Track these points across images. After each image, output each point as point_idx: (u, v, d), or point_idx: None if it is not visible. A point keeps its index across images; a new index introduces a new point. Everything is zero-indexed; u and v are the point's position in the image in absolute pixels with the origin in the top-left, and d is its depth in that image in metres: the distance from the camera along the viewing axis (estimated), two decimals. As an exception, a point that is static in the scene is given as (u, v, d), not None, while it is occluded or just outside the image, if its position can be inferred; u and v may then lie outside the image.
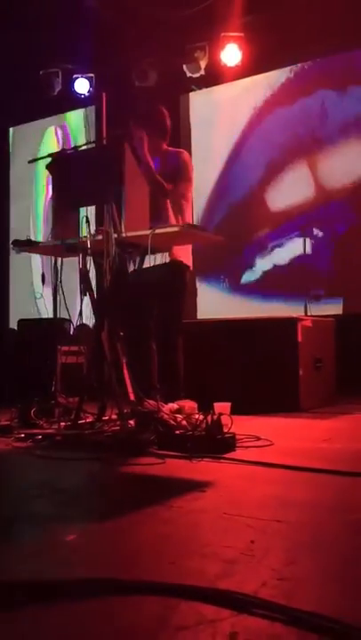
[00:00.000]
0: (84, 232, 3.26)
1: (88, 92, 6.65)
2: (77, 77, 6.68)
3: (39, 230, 7.14)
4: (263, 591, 1.14)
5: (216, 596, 1.11)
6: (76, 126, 7.28)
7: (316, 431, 3.41)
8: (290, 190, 5.98)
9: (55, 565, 1.34)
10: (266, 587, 1.16)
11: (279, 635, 0.98)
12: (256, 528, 1.54)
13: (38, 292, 3.33)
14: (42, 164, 3.50)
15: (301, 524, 1.60)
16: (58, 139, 7.31)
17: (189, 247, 3.73)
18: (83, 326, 3.38)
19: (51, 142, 7.39)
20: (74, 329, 3.42)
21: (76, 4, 5.85)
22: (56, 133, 7.35)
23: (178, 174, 3.58)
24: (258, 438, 2.87)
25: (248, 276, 6.18)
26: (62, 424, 3.16)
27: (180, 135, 6.06)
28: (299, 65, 5.94)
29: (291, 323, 4.23)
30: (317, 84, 5.81)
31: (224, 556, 1.33)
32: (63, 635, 1.02)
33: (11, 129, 7.75)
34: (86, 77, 6.63)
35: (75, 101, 6.83)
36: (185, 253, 3.67)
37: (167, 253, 3.57)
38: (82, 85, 6.68)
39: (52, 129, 7.50)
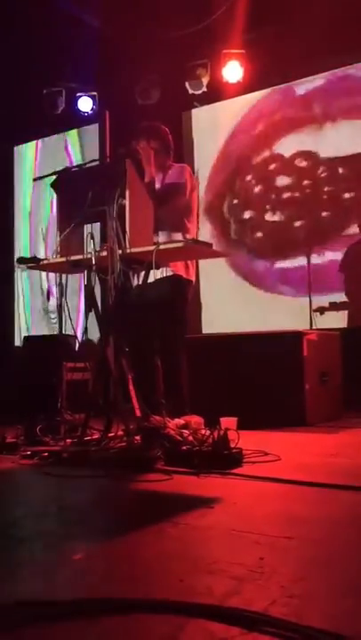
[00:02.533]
0: (88, 248, 3.28)
1: (91, 109, 6.72)
2: (81, 96, 6.75)
3: (43, 247, 7.18)
4: (273, 609, 1.12)
5: (225, 615, 1.09)
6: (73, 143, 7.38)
7: (323, 446, 3.39)
8: (294, 206, 5.99)
9: (62, 584, 1.33)
10: (276, 604, 1.15)
11: (290, 653, 0.97)
12: (265, 544, 1.53)
13: (43, 308, 3.34)
14: (47, 183, 3.53)
15: (311, 540, 1.58)
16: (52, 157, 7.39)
17: (193, 261, 3.74)
18: (88, 342, 3.38)
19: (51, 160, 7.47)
20: (79, 345, 3.43)
21: (79, 23, 5.92)
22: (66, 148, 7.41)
23: (181, 189, 3.61)
24: (265, 453, 2.86)
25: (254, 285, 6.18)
26: (68, 441, 3.15)
27: (183, 151, 6.10)
28: (300, 80, 5.98)
29: (296, 337, 4.22)
30: (321, 99, 5.85)
31: (233, 574, 1.32)
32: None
33: (15, 148, 7.83)
34: (89, 96, 6.70)
35: (78, 119, 6.90)
36: (189, 266, 3.68)
37: (171, 267, 3.58)
38: (85, 103, 6.75)
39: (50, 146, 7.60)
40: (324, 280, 5.53)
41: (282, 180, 6.04)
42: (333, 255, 5.61)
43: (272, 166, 6.09)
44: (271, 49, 5.61)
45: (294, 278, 5.79)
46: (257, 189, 6.20)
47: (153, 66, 6.18)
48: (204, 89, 6.13)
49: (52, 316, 3.52)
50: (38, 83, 6.68)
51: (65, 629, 1.08)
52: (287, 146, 6.00)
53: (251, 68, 5.93)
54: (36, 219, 7.46)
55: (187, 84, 6.16)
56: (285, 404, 4.09)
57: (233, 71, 5.99)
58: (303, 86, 5.98)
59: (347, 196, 5.66)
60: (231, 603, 1.15)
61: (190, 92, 6.18)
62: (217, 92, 6.20)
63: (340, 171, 5.70)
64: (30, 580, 1.36)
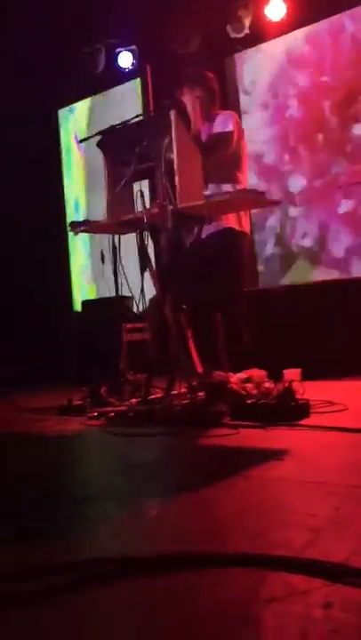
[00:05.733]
0: (138, 207, 3.24)
1: (132, 65, 6.57)
2: (120, 51, 6.59)
3: (94, 210, 7.17)
4: (355, 559, 1.10)
5: (306, 566, 1.08)
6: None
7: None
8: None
9: (141, 541, 1.34)
10: (356, 554, 1.12)
11: (377, 604, 0.94)
12: (339, 495, 1.50)
13: (100, 271, 3.36)
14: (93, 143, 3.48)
15: (387, 489, 1.54)
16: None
17: (246, 212, 3.64)
18: (145, 302, 3.38)
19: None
20: (136, 306, 3.44)
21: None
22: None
23: (228, 138, 3.48)
24: (332, 403, 2.81)
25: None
26: (133, 401, 3.19)
27: (229, 98, 5.90)
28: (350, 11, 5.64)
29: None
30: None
31: (309, 525, 1.30)
32: (157, 606, 1.01)
33: (59, 111, 7.77)
34: (129, 50, 6.54)
35: (120, 76, 6.76)
36: (242, 218, 3.58)
37: (222, 220, 3.50)
38: (125, 59, 6.59)
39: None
40: None
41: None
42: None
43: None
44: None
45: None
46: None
47: (191, 12, 5.95)
48: (247, 31, 5.86)
49: (109, 278, 3.51)
50: (78, 42, 6.55)
51: (148, 583, 1.09)
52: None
53: (294, 3, 5.62)
54: (85, 181, 7.43)
55: (228, 28, 5.90)
56: (349, 353, 4.00)
57: (276, 8, 5.69)
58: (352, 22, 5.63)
59: None
60: (310, 554, 1.13)
61: (232, 35, 5.92)
62: (260, 34, 5.92)
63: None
64: (110, 538, 1.38)
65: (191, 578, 1.10)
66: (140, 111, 5.69)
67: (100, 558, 1.19)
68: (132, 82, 6.73)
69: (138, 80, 6.54)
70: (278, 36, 5.89)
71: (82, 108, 7.54)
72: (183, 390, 3.09)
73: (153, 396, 3.18)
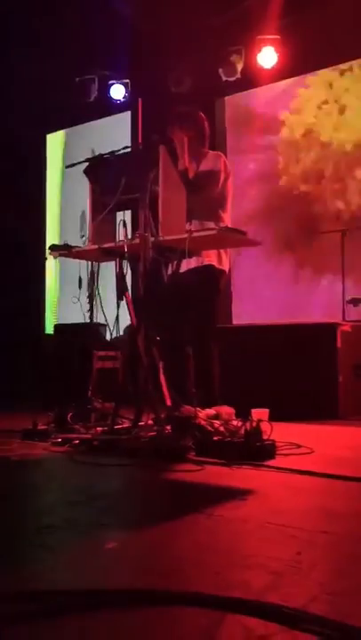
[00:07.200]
0: (120, 236, 3.25)
1: (124, 97, 6.68)
2: (113, 83, 6.71)
3: (75, 235, 7.20)
4: (313, 606, 1.08)
5: (264, 610, 1.06)
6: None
7: (357, 439, 3.33)
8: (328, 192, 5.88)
9: (96, 574, 1.31)
10: (316, 601, 1.11)
11: (333, 654, 0.93)
12: (301, 539, 1.49)
13: (75, 296, 3.34)
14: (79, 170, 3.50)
15: (349, 536, 1.54)
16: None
17: (227, 250, 3.69)
18: (119, 331, 3.37)
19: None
20: (110, 334, 3.42)
21: (112, 11, 5.88)
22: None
23: (215, 177, 3.55)
24: (298, 446, 2.81)
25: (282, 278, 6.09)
26: (99, 429, 3.15)
27: (216, 138, 6.03)
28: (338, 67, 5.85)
29: (330, 328, 4.14)
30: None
31: (270, 568, 1.28)
32: (107, 647, 0.98)
33: (48, 135, 7.84)
34: (122, 83, 6.66)
35: (111, 107, 6.87)
36: (222, 256, 3.62)
37: (203, 257, 3.54)
38: (118, 91, 6.71)
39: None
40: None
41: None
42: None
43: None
44: (306, 34, 5.48)
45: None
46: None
47: (186, 53, 6.11)
48: (238, 75, 6.03)
49: (84, 304, 3.50)
50: (71, 71, 6.66)
51: (100, 619, 1.06)
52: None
53: (286, 53, 5.81)
54: (68, 206, 7.46)
55: (220, 71, 6.07)
56: (318, 397, 4.03)
57: (268, 57, 5.88)
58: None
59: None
60: (269, 598, 1.12)
61: (224, 78, 6.08)
62: (251, 79, 6.10)
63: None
64: (61, 570, 1.34)
65: (147, 616, 1.07)
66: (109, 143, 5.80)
67: (52, 591, 1.15)
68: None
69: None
70: (270, 82, 6.08)
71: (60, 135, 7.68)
72: (150, 422, 3.06)
73: (119, 426, 3.15)
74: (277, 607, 1.06)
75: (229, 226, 3.46)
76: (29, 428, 3.27)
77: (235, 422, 2.79)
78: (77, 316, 3.65)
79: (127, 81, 6.67)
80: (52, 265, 7.23)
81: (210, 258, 3.55)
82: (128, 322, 3.36)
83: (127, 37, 5.87)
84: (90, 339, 4.31)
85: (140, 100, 3.97)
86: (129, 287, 3.37)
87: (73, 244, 3.54)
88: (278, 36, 5.80)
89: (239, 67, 5.96)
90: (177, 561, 1.38)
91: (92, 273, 3.51)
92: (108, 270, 3.49)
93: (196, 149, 3.65)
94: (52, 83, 6.61)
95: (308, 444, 2.84)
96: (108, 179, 3.29)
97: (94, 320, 3.59)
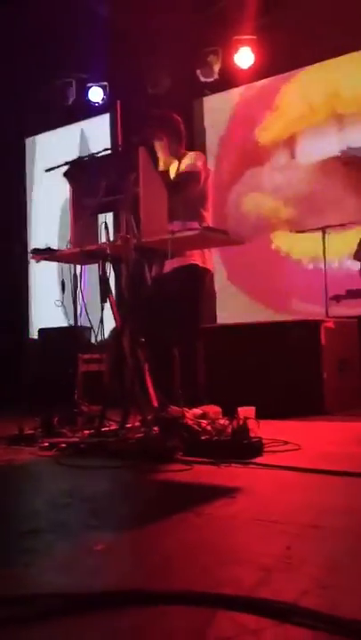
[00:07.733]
0: (102, 238, 3.24)
1: (102, 100, 6.67)
2: (91, 86, 6.70)
3: (57, 239, 7.17)
4: (305, 600, 1.09)
5: (256, 606, 1.06)
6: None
7: (343, 435, 3.34)
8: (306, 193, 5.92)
9: (86, 576, 1.30)
10: (307, 595, 1.12)
11: (325, 645, 0.94)
12: (291, 534, 1.50)
13: (58, 300, 3.33)
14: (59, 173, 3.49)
15: (338, 530, 1.55)
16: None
17: (211, 249, 3.70)
18: (104, 333, 3.36)
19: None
20: (94, 336, 3.41)
21: (89, 13, 5.87)
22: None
23: (195, 177, 3.56)
24: (285, 442, 2.82)
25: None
26: (86, 432, 3.14)
27: (195, 139, 6.04)
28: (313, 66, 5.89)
29: (313, 325, 4.17)
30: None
31: (260, 564, 1.29)
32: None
33: (26, 139, 7.81)
34: (100, 86, 6.65)
35: (89, 110, 6.85)
36: (206, 255, 3.63)
37: (187, 256, 3.54)
38: (96, 94, 6.70)
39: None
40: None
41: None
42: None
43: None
44: (283, 33, 5.52)
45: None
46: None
47: (163, 54, 6.11)
48: (216, 76, 6.05)
49: (67, 307, 3.49)
50: (48, 74, 6.64)
51: (91, 622, 1.06)
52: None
53: (262, 53, 5.85)
54: (49, 210, 7.44)
55: (198, 72, 6.09)
56: (303, 394, 4.05)
57: (245, 57, 5.91)
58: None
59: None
60: (260, 593, 1.12)
61: (202, 79, 6.11)
62: (228, 80, 6.12)
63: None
64: (53, 572, 1.33)
65: (136, 616, 1.07)
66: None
67: (41, 594, 1.15)
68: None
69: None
70: (247, 83, 6.11)
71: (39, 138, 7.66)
72: (137, 424, 3.05)
73: (106, 429, 3.14)
74: (269, 602, 1.07)
75: (210, 225, 3.47)
76: (15, 433, 3.25)
77: (222, 421, 2.79)
78: (60, 319, 3.64)
79: (105, 83, 6.66)
80: (35, 268, 7.19)
81: (194, 257, 3.56)
82: (113, 324, 3.36)
83: (104, 40, 5.87)
84: (75, 342, 4.29)
85: (118, 102, 3.97)
86: (112, 290, 3.36)
87: (55, 248, 3.53)
88: (255, 37, 5.84)
89: (216, 67, 5.98)
90: (167, 560, 1.38)
91: (75, 276, 3.50)
92: (92, 273, 3.47)
93: (175, 150, 3.66)
94: (30, 87, 6.58)
95: (295, 440, 2.85)
96: (89, 181, 3.28)
97: (79, 323, 3.58)
